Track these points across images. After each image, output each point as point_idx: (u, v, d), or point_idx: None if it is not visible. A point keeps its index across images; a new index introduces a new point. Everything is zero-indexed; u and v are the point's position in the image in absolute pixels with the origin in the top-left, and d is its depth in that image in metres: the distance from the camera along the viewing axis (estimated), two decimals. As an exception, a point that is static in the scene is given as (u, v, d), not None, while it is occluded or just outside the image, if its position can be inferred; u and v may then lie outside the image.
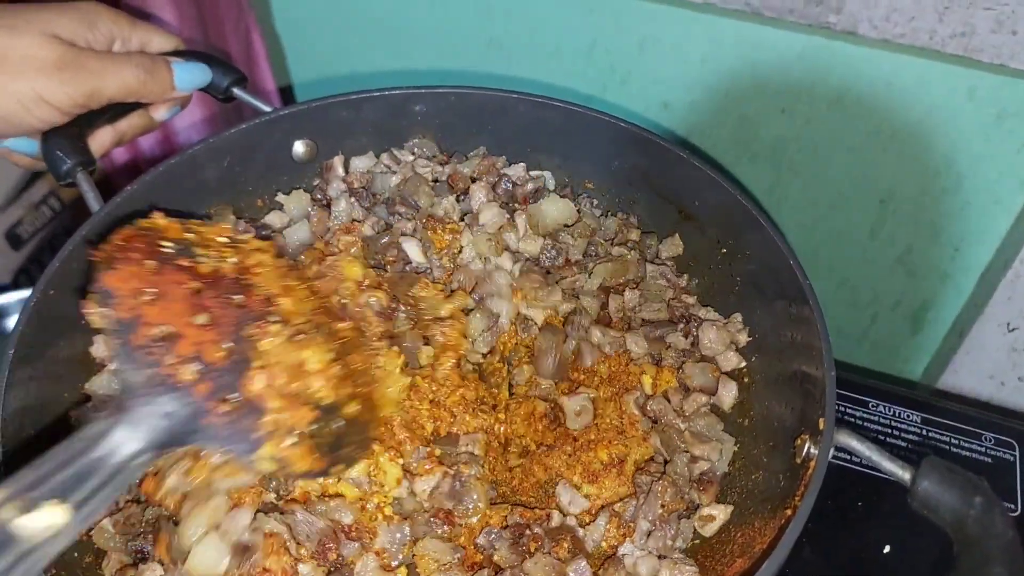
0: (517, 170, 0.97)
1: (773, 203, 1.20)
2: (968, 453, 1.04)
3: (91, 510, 0.58)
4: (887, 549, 0.94)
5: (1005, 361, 1.19)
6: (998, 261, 1.11)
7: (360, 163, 0.98)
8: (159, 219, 0.70)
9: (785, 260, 0.80)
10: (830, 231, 1.20)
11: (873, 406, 1.06)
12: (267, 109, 0.94)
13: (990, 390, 1.23)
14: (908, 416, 1.06)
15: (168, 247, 0.68)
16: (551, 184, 0.99)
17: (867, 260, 1.20)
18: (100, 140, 0.91)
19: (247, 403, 0.64)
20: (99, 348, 0.84)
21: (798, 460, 0.72)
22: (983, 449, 1.03)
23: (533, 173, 0.98)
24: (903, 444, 1.05)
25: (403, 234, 0.92)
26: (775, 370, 0.83)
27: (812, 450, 0.70)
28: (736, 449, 0.83)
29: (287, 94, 1.34)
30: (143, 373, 0.62)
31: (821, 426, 0.69)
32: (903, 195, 1.12)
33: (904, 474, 0.67)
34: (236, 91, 0.95)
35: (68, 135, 0.85)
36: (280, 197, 0.96)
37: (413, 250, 0.91)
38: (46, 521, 0.55)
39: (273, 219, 0.94)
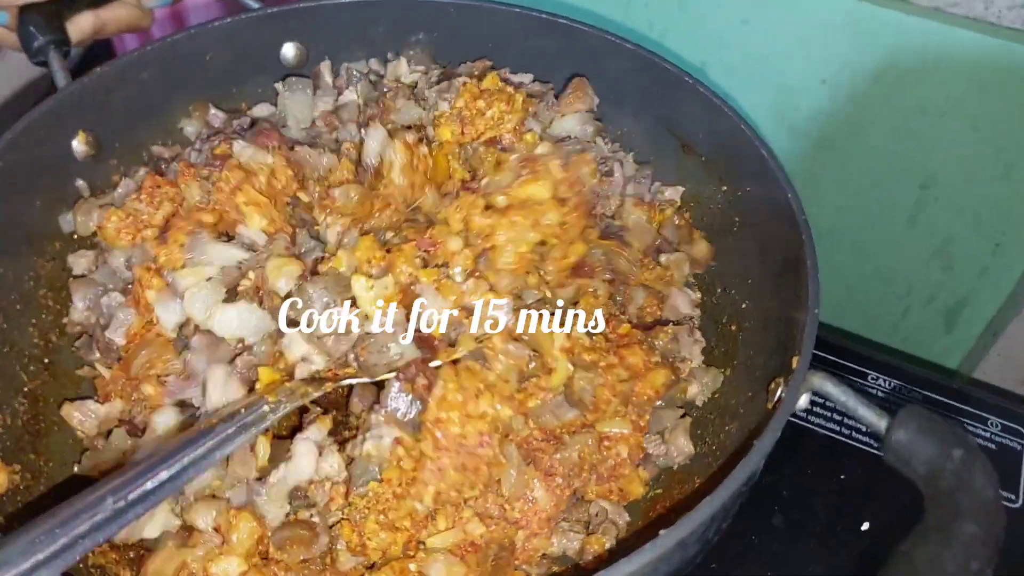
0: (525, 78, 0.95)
1: (810, 181, 1.14)
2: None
3: None
4: (866, 526, 0.86)
5: (1039, 364, 1.11)
6: (1042, 258, 1.04)
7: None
8: None
9: (784, 198, 0.75)
10: (867, 214, 1.13)
11: (873, 379, 0.99)
12: (255, 6, 0.91)
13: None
14: (910, 392, 0.98)
15: None
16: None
17: (904, 248, 1.13)
18: (80, 25, 0.89)
19: None
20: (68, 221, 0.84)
21: (770, 405, 0.68)
22: (988, 435, 0.95)
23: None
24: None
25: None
26: (765, 316, 0.78)
27: (782, 393, 0.65)
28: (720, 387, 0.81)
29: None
30: None
31: (794, 366, 0.64)
32: (946, 180, 1.06)
33: (880, 421, 0.60)
34: None
35: (45, 12, 0.84)
36: (278, 85, 0.94)
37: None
38: None
39: (263, 110, 0.93)
